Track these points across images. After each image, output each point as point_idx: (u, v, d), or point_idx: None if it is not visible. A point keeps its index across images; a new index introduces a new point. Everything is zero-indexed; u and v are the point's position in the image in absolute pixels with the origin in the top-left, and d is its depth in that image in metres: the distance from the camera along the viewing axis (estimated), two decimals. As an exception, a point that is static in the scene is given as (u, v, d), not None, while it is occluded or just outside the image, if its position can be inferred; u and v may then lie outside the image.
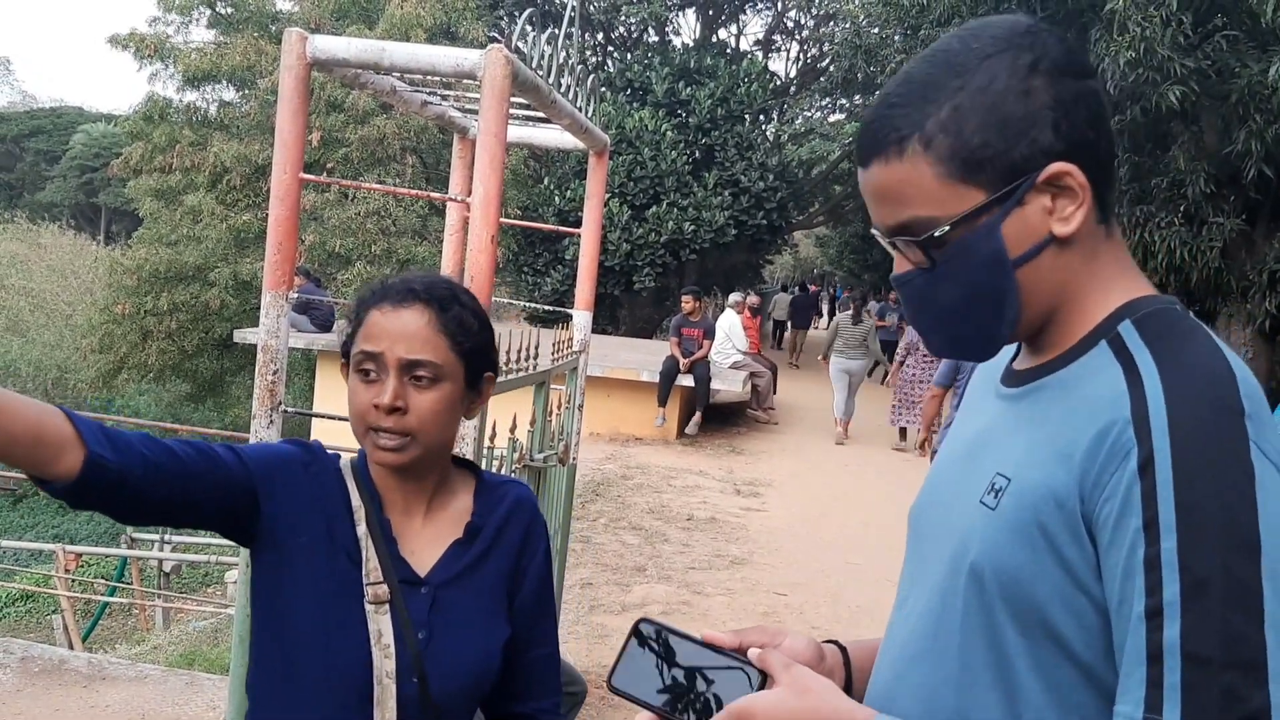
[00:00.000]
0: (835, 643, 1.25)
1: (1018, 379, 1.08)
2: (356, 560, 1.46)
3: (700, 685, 1.08)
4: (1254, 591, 0.82)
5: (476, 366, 1.51)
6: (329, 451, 1.58)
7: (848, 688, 1.20)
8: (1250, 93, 8.93)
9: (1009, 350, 1.14)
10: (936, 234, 0.99)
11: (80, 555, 12.23)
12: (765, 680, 1.05)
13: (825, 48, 22.88)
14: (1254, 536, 0.83)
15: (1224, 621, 0.82)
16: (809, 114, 23.10)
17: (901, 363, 11.36)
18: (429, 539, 1.53)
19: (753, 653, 1.07)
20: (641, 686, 1.10)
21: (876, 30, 16.08)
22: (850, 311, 12.29)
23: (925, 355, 10.70)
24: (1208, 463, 0.85)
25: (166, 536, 11.44)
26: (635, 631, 1.12)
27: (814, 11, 23.03)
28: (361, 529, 1.47)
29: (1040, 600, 0.94)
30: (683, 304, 11.62)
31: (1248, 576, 0.83)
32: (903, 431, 11.92)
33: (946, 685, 1.02)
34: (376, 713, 1.42)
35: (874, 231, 1.07)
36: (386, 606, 1.45)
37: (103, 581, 12.25)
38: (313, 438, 1.66)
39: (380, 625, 1.44)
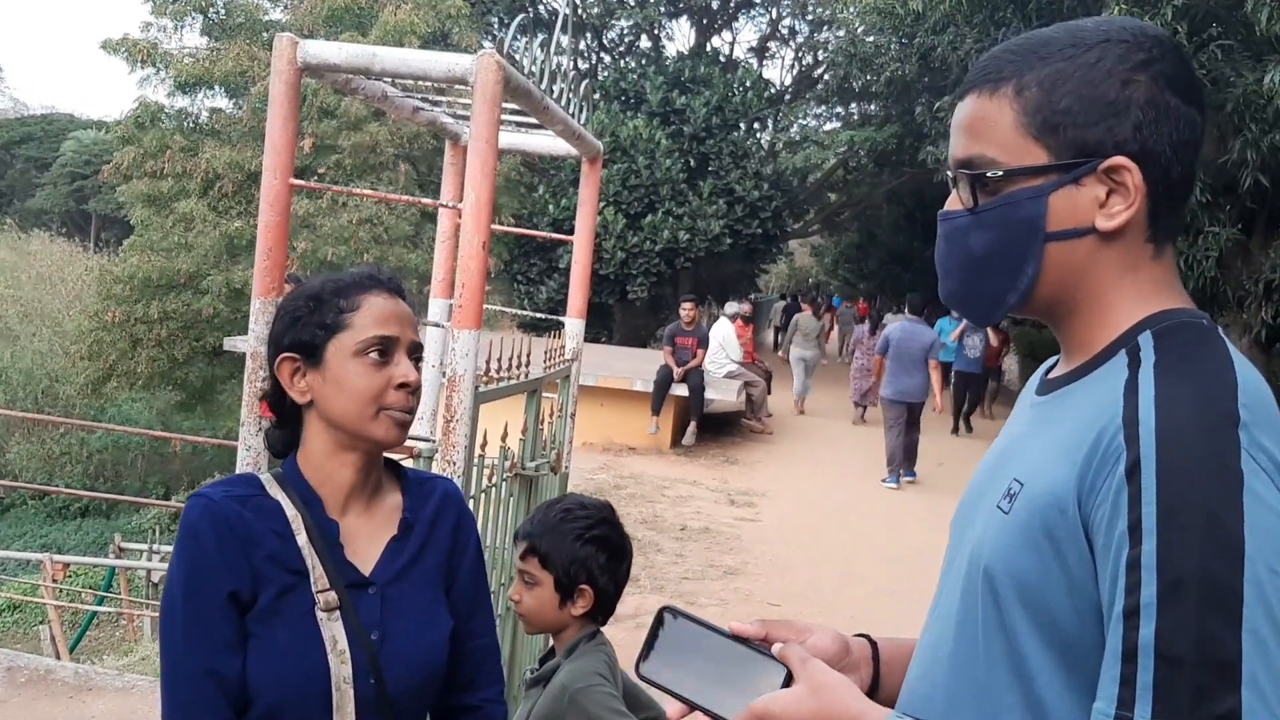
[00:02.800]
0: (866, 636, 1.26)
1: (1048, 387, 1.11)
2: (303, 571, 1.45)
3: (729, 677, 1.07)
4: (1233, 595, 0.83)
5: None
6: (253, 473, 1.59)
7: (875, 682, 1.21)
8: (1246, 102, 8.92)
9: (1047, 362, 1.18)
10: (989, 174, 1.04)
11: (68, 565, 12.13)
12: (790, 674, 1.04)
13: (820, 55, 22.93)
14: (1237, 541, 0.84)
15: (1199, 623, 0.82)
16: (804, 122, 23.12)
17: (852, 353, 15.43)
18: (367, 536, 1.54)
19: (776, 648, 1.08)
20: (670, 675, 1.09)
21: (872, 39, 16.10)
22: (809, 310, 15.71)
23: (867, 348, 13.61)
24: (1192, 467, 0.86)
25: (155, 546, 11.35)
26: (660, 619, 1.11)
27: (808, 19, 23.07)
28: (302, 538, 1.46)
29: (1049, 603, 0.95)
30: (682, 311, 11.58)
31: (1228, 580, 0.83)
32: (856, 405, 14.60)
33: (970, 686, 1.03)
34: (336, 718, 1.43)
35: (947, 172, 1.12)
36: (337, 612, 1.45)
37: (90, 591, 12.16)
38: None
39: (334, 631, 1.45)
